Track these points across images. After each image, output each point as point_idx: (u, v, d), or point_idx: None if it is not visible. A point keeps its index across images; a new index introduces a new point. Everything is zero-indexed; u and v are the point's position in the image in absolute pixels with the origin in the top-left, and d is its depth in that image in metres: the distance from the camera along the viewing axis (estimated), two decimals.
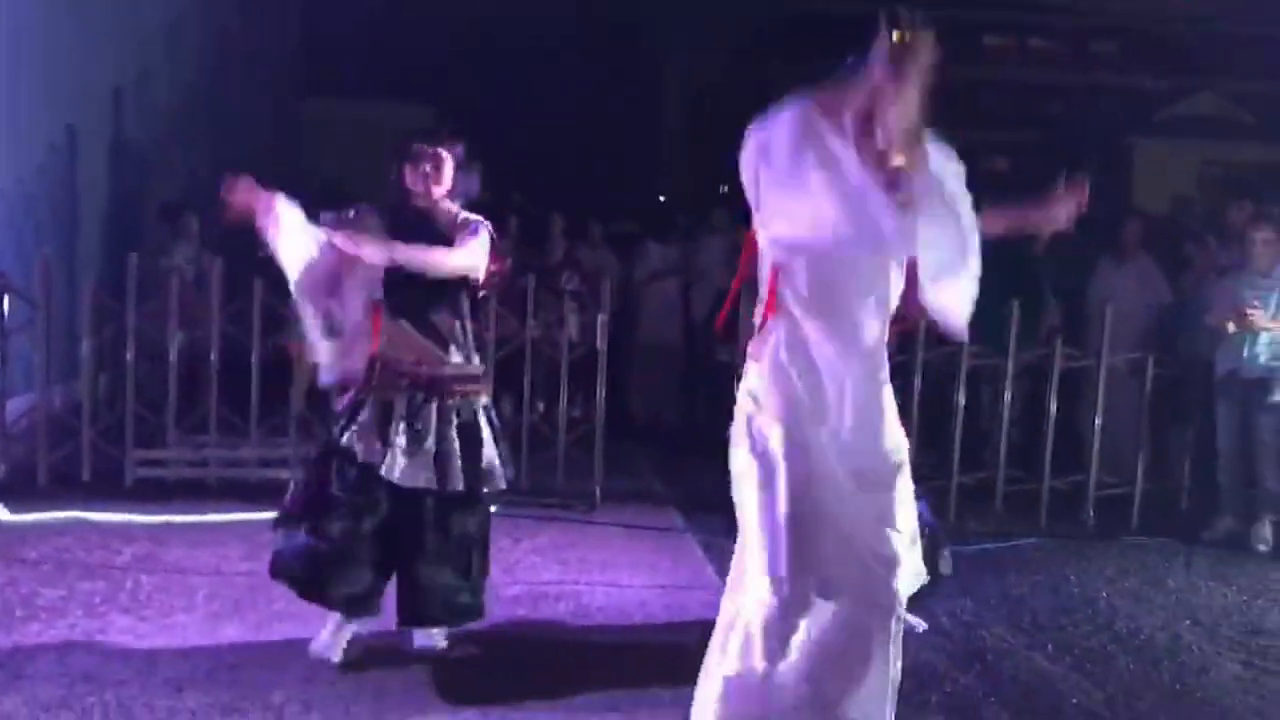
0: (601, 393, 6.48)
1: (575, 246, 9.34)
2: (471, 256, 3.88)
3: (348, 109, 15.73)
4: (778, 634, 3.03)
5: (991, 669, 4.20)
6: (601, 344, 6.49)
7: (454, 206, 4.01)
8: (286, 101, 14.81)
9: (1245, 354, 6.17)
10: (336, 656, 3.86)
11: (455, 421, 3.89)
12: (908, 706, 3.76)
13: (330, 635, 3.91)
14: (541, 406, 7.48)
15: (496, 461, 3.96)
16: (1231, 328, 6.12)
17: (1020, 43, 37.21)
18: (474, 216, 3.98)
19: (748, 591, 3.11)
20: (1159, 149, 26.36)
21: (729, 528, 5.81)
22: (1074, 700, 3.95)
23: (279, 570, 3.92)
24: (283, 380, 6.81)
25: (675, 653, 4.12)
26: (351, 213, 3.97)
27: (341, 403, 3.98)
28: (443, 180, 3.96)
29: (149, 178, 9.25)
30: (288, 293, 6.90)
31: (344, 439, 3.84)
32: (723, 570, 5.16)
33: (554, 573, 5.05)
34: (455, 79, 15.97)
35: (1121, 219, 7.93)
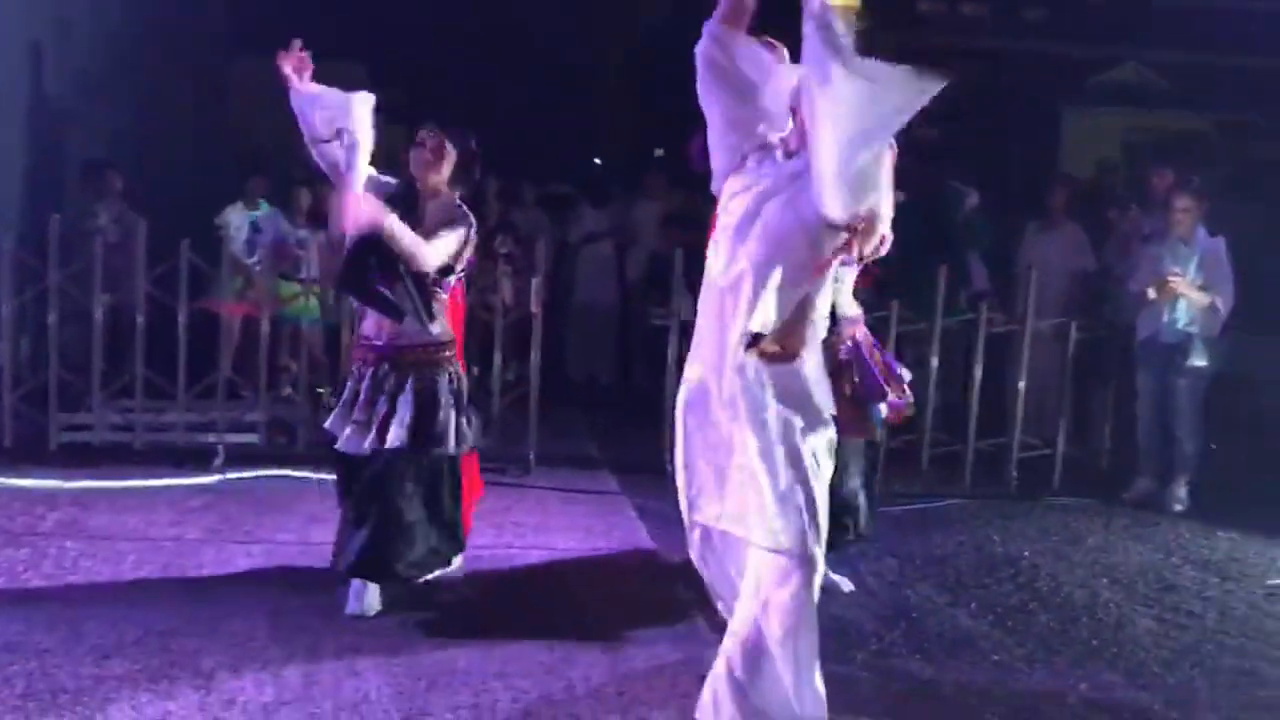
0: (536, 356, 6.48)
1: (509, 210, 9.28)
2: (440, 252, 4.00)
3: (274, 66, 15.42)
4: None
5: (916, 626, 4.31)
6: (536, 307, 6.48)
7: (454, 196, 4.16)
8: (213, 59, 14.47)
9: (1165, 319, 6.33)
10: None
11: (413, 387, 4.04)
12: (835, 664, 3.85)
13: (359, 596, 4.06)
14: (476, 371, 7.43)
15: (452, 425, 4.09)
16: (1152, 294, 6.27)
17: (951, 8, 37.48)
18: (461, 210, 4.11)
19: None
20: (1085, 116, 26.76)
21: (662, 490, 5.88)
22: (995, 657, 4.06)
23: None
24: (210, 343, 6.72)
25: (609, 615, 4.19)
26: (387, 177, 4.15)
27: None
28: (442, 169, 4.11)
29: (70, 136, 9.00)
30: (214, 252, 6.85)
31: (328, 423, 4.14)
32: (655, 533, 5.25)
33: (488, 537, 5.05)
34: (387, 37, 15.69)
35: (1048, 185, 8.06)
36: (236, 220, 7.92)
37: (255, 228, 7.91)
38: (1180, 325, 6.30)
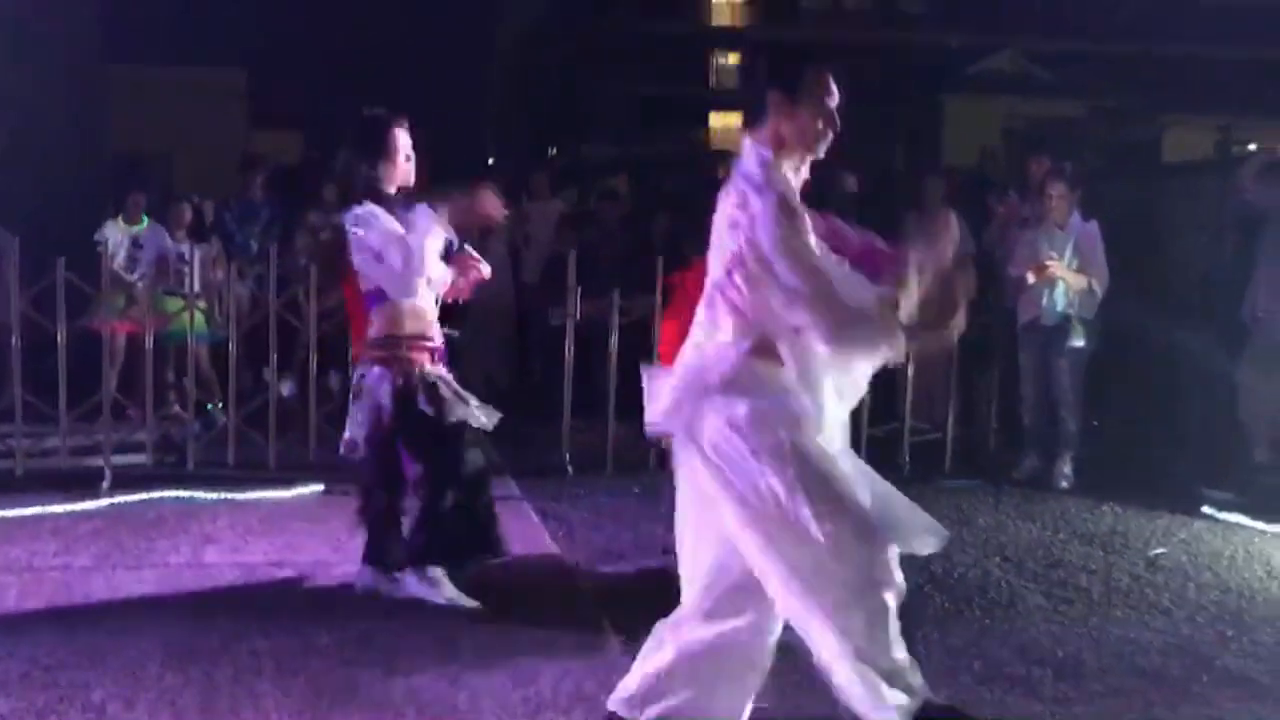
0: None
1: None
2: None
3: (155, 74, 15.02)
4: None
5: None
6: None
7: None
8: (89, 68, 14.03)
9: (1044, 302, 6.54)
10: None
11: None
12: None
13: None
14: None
15: None
16: (1031, 278, 6.47)
17: (835, 4, 38.11)
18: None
19: None
20: (966, 105, 27.48)
21: (562, 494, 5.87)
22: None
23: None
24: (93, 363, 6.53)
25: (515, 623, 4.17)
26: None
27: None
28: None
29: None
30: (92, 271, 6.64)
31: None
32: (557, 535, 5.24)
33: None
34: (267, 40, 15.40)
35: (924, 178, 8.28)
36: (116, 236, 7.71)
37: (136, 244, 7.74)
38: (1059, 308, 6.52)
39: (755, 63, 2.98)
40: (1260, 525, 5.76)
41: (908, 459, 6.84)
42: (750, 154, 2.99)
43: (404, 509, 4.38)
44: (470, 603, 4.23)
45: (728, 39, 38.94)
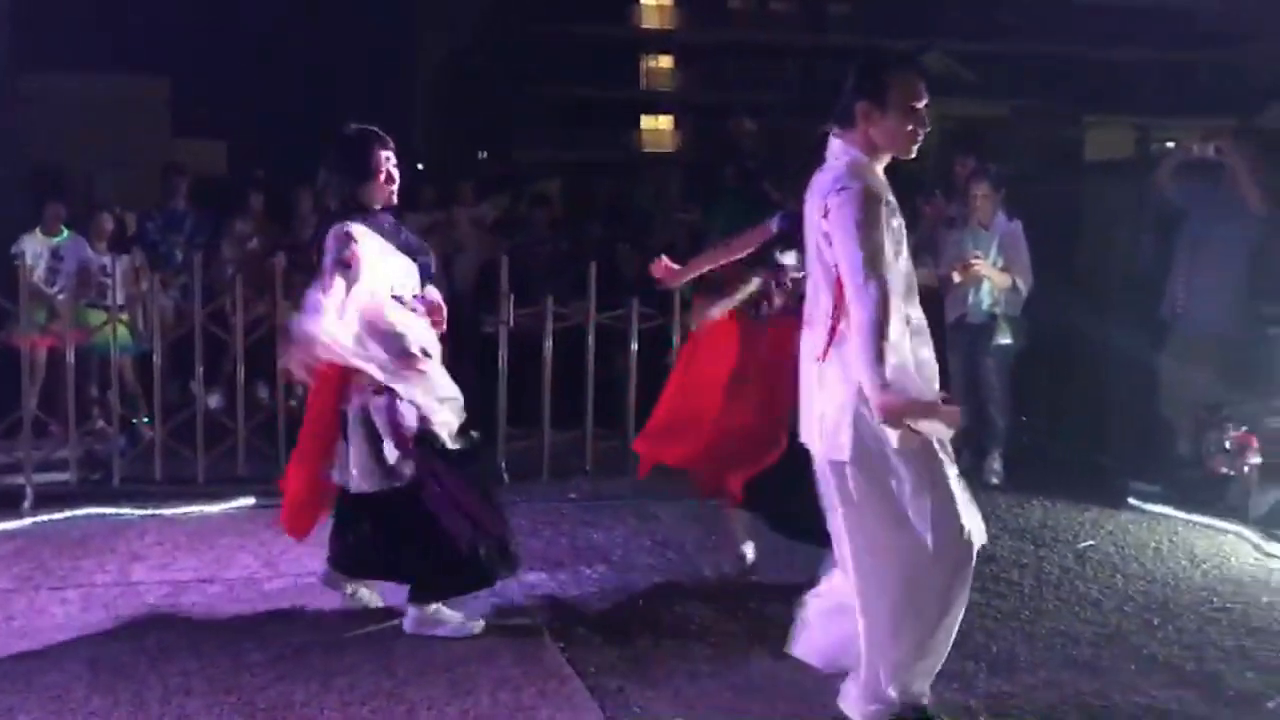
0: None
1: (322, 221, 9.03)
2: None
3: (71, 82, 14.68)
4: None
5: (758, 616, 4.39)
6: None
7: None
8: None
9: (970, 301, 6.64)
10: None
11: None
12: (680, 662, 3.90)
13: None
14: (302, 389, 7.25)
15: None
16: (957, 277, 6.56)
17: (761, 5, 38.38)
18: None
19: None
20: None
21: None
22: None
23: None
24: (12, 379, 6.35)
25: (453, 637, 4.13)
26: None
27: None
28: None
29: None
30: (11, 285, 6.46)
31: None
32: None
33: (322, 563, 4.92)
34: (190, 46, 15.15)
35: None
36: (34, 248, 7.52)
37: (56, 255, 7.56)
38: (985, 306, 6.61)
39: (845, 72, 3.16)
40: (1184, 515, 5.89)
41: None
42: (841, 155, 3.19)
43: None
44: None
45: (658, 42, 39.07)
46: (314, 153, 4.34)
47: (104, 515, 5.63)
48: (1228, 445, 5.83)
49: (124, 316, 7.15)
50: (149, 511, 5.71)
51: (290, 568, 4.85)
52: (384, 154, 4.10)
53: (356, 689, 3.63)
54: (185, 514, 5.71)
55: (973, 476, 6.57)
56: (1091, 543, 5.51)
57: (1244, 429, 5.80)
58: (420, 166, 23.31)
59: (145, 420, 7.07)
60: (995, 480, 6.61)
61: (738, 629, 4.26)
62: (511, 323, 6.47)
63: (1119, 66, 32.79)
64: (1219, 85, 30.65)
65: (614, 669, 3.85)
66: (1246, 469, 5.80)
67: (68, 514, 5.58)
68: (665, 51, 39.22)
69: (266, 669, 3.79)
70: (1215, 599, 4.70)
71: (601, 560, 5.08)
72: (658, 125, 38.69)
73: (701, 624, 4.29)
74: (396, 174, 4.14)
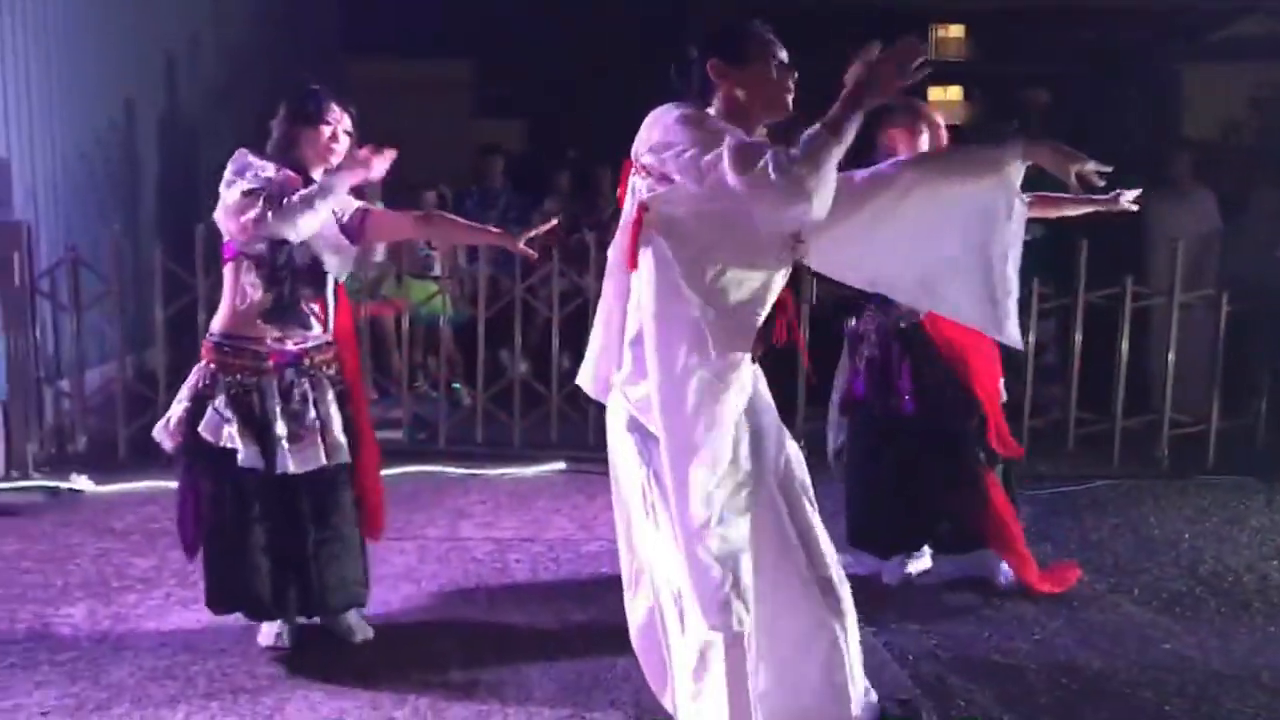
0: None
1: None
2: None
3: (393, 68, 15.63)
4: None
5: (1078, 615, 4.18)
6: None
7: None
8: (332, 64, 14.75)
9: None
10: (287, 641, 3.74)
11: (331, 391, 3.71)
12: (999, 656, 3.78)
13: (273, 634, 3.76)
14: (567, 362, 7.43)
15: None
16: None
17: None
18: None
19: None
20: (1209, 73, 25.67)
21: None
22: (1165, 645, 3.92)
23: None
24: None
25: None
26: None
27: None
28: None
29: (199, 148, 9.25)
30: None
31: (215, 436, 3.60)
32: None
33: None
34: (498, 30, 15.78)
35: (1170, 150, 7.78)
36: None
37: None
38: None
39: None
40: None
41: (1166, 452, 6.46)
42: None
43: None
44: None
45: (948, 10, 37.67)
46: (615, 130, 4.32)
47: (431, 473, 6.00)
48: None
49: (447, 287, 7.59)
50: (471, 471, 6.06)
51: (605, 531, 4.97)
52: (334, 107, 3.73)
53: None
54: (502, 474, 6.02)
55: None
56: None
57: None
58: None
59: (456, 387, 7.51)
60: None
61: (1059, 625, 4.06)
62: None
63: None
64: None
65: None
66: None
67: (400, 470, 5.95)
68: (954, 20, 37.84)
69: (587, 631, 3.92)
70: None
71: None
72: (947, 96, 37.40)
73: (1008, 609, 4.12)
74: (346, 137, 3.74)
